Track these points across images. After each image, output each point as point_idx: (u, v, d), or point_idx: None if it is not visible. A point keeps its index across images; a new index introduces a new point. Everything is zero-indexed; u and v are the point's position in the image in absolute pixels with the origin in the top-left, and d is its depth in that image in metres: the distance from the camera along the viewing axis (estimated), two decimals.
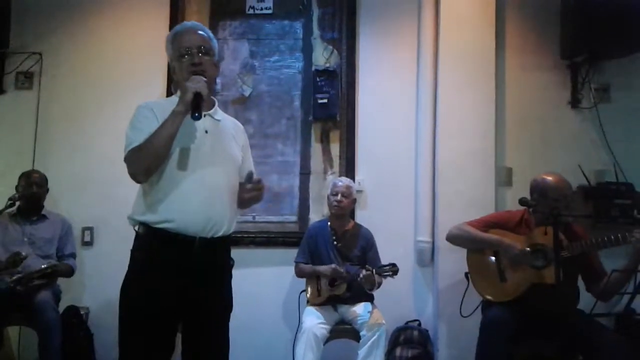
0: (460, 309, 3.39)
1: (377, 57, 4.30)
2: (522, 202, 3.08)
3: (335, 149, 4.27)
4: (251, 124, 4.32)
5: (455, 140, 3.97)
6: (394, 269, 3.45)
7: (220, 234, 2.21)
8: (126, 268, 2.22)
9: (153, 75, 4.16)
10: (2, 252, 3.70)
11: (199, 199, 2.16)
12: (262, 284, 4.09)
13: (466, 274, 3.39)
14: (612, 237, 2.93)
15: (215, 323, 2.28)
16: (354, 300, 3.63)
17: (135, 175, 2.15)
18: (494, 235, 3.26)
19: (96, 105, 4.26)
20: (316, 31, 4.37)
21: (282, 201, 4.28)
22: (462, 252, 3.43)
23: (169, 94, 4.02)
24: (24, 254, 3.59)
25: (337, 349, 3.70)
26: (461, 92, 4.01)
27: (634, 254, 2.93)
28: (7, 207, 3.74)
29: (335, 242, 3.77)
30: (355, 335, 3.55)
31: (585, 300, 3.17)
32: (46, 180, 3.93)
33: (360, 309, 3.58)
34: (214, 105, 2.36)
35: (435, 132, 4.09)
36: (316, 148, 4.30)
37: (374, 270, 3.46)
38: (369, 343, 3.40)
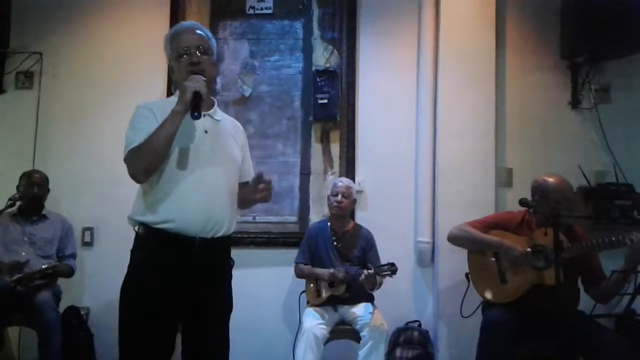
0: (461, 309, 3.39)
1: (377, 58, 4.30)
2: (522, 203, 3.07)
3: (335, 149, 4.27)
4: (251, 124, 4.33)
5: (456, 141, 3.97)
6: (392, 269, 3.45)
7: (220, 234, 2.21)
8: (126, 268, 2.21)
9: (153, 75, 4.16)
10: (3, 252, 3.71)
11: (198, 199, 2.16)
12: (262, 285, 4.09)
13: (467, 275, 3.39)
14: (613, 239, 2.93)
15: (216, 323, 2.28)
16: (354, 301, 3.63)
17: (135, 176, 2.15)
18: (495, 237, 3.26)
19: (96, 105, 4.26)
20: (316, 31, 4.37)
21: (282, 201, 4.29)
22: (462, 253, 3.43)
23: (170, 94, 4.02)
24: (24, 260, 3.60)
25: (337, 349, 3.70)
26: (461, 93, 4.01)
27: (631, 256, 2.92)
28: (7, 207, 3.75)
29: (335, 243, 3.77)
30: (355, 336, 3.54)
31: (586, 301, 3.16)
32: (47, 180, 3.93)
33: (360, 310, 3.58)
34: (213, 106, 2.36)
35: (435, 133, 4.08)
36: (316, 148, 4.30)
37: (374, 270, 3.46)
38: (369, 344, 3.40)
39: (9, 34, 4.23)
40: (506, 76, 4.22)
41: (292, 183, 4.31)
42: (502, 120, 4.16)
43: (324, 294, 3.63)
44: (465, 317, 3.37)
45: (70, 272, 3.84)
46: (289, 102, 4.40)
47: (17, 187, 3.85)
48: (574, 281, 3.14)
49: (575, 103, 4.21)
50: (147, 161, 2.11)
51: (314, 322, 3.49)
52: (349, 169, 4.20)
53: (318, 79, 4.23)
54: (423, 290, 4.14)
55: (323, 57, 4.30)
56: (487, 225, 3.35)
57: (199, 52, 2.26)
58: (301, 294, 3.84)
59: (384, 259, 3.61)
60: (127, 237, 2.26)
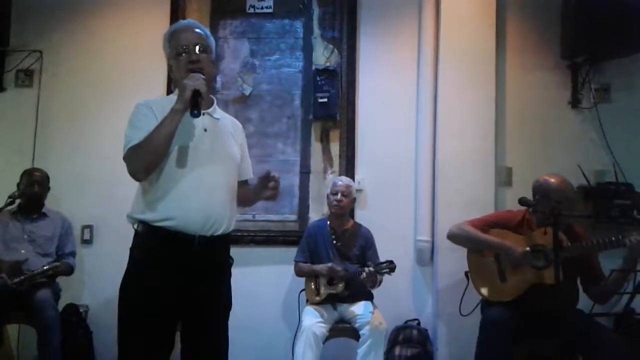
0: (460, 308, 3.39)
1: (377, 57, 4.30)
2: (521, 202, 3.07)
3: (335, 148, 4.27)
4: (251, 122, 4.33)
5: (456, 140, 3.98)
6: (391, 266, 3.45)
7: (219, 232, 2.21)
8: (125, 266, 2.22)
9: (153, 73, 4.14)
10: (2, 250, 3.71)
11: (198, 198, 2.16)
12: (262, 283, 4.09)
13: (466, 273, 3.39)
14: (613, 239, 2.93)
15: (215, 321, 2.28)
16: (353, 299, 3.63)
17: (134, 174, 2.14)
18: (495, 238, 3.25)
19: (96, 103, 4.26)
20: (316, 30, 4.37)
21: (282, 200, 4.28)
22: (461, 252, 3.43)
23: (170, 92, 4.01)
24: (23, 257, 3.60)
25: (336, 347, 3.71)
26: (461, 92, 4.01)
27: (629, 255, 2.93)
28: (6, 205, 3.74)
29: (334, 242, 3.77)
30: (354, 334, 3.55)
31: (585, 300, 3.16)
32: (48, 178, 3.93)
33: (360, 309, 3.58)
34: (212, 104, 2.36)
35: (435, 132, 4.09)
36: (316, 147, 4.30)
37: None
38: (369, 342, 3.40)
39: (9, 32, 4.22)
40: (506, 75, 4.23)
41: (291, 182, 4.31)
42: (502, 120, 4.17)
43: (323, 292, 3.63)
44: (464, 316, 3.37)
45: (70, 271, 3.84)
46: (289, 101, 4.40)
47: (18, 185, 3.86)
48: (573, 280, 3.14)
49: (575, 102, 4.21)
50: (147, 159, 2.11)
51: (314, 321, 3.50)
52: (348, 168, 4.20)
53: (318, 78, 4.23)
54: (422, 288, 4.14)
55: (323, 56, 4.31)
56: (487, 224, 3.35)
57: (198, 50, 2.26)
58: (300, 292, 3.84)
59: (383, 258, 3.60)
60: (127, 235, 2.26)
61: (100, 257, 4.10)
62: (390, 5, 4.33)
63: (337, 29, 4.36)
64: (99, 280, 4.05)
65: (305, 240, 3.83)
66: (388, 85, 4.28)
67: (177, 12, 4.26)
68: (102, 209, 4.10)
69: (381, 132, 4.25)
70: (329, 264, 3.61)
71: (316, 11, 4.39)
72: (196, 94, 2.11)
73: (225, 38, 4.43)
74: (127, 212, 2.24)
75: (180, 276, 2.14)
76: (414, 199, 4.16)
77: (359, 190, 4.10)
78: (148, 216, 2.16)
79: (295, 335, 3.58)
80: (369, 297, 3.68)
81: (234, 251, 2.37)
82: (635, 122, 4.17)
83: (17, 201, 3.82)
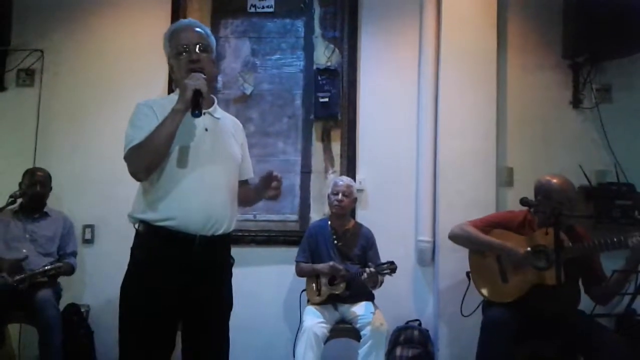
0: (461, 308, 3.39)
1: (378, 56, 4.30)
2: (523, 202, 3.07)
3: (336, 148, 4.27)
4: (252, 122, 4.33)
5: (457, 140, 3.97)
6: (392, 267, 3.46)
7: (220, 232, 2.20)
8: (126, 266, 2.22)
9: (154, 73, 4.14)
10: (4, 249, 3.71)
11: (199, 198, 2.15)
12: (263, 283, 4.09)
13: (467, 274, 3.38)
14: (615, 239, 2.93)
15: (216, 321, 2.28)
16: (354, 300, 3.63)
17: (135, 174, 2.14)
18: (496, 239, 3.24)
19: (97, 103, 4.26)
20: (318, 30, 4.37)
21: (283, 200, 4.26)
22: (462, 252, 3.43)
23: (170, 92, 4.00)
24: (23, 255, 3.61)
25: (337, 348, 3.71)
26: (462, 92, 4.01)
27: (631, 256, 2.92)
28: (8, 204, 3.74)
29: (335, 242, 3.77)
30: (355, 335, 3.55)
31: (586, 301, 3.16)
32: (50, 178, 3.93)
33: (361, 309, 3.58)
34: (213, 104, 2.36)
35: (436, 132, 4.08)
36: (317, 147, 4.30)
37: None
38: (370, 343, 3.40)
39: (10, 32, 4.22)
40: (507, 75, 4.22)
41: (292, 182, 4.31)
42: (503, 120, 4.16)
43: (324, 292, 3.63)
44: (465, 316, 3.37)
45: (71, 271, 3.84)
46: (290, 100, 4.39)
47: (20, 184, 3.86)
48: (575, 281, 3.14)
49: (576, 102, 4.21)
50: (148, 159, 2.10)
51: (315, 321, 3.49)
52: (349, 168, 4.19)
53: (319, 78, 4.23)
54: (423, 289, 4.14)
55: (324, 55, 4.31)
56: (489, 224, 3.34)
57: (198, 49, 2.25)
58: (302, 292, 3.84)
59: (384, 258, 3.60)
60: (128, 235, 2.26)
61: (101, 256, 4.11)
62: (391, 4, 4.32)
63: (338, 28, 4.36)
64: (100, 280, 4.06)
65: (306, 240, 3.83)
66: (389, 85, 4.28)
67: (178, 11, 4.26)
68: (103, 209, 4.11)
69: (382, 132, 4.24)
70: (331, 263, 3.61)
71: (317, 11, 4.39)
72: (197, 93, 2.10)
73: (226, 37, 4.43)
74: (128, 212, 2.24)
75: (181, 276, 2.14)
76: (415, 199, 4.16)
77: (359, 190, 4.10)
78: (149, 216, 2.16)
79: (296, 336, 3.58)
80: (370, 298, 3.67)
81: (235, 251, 2.36)
82: (637, 122, 4.16)
83: (19, 200, 3.82)
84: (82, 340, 3.78)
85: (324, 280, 3.65)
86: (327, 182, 4.16)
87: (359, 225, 3.87)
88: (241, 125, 2.51)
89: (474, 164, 3.96)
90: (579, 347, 2.98)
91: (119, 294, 2.18)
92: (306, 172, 4.30)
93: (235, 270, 2.38)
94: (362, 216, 4.09)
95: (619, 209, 3.91)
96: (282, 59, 4.43)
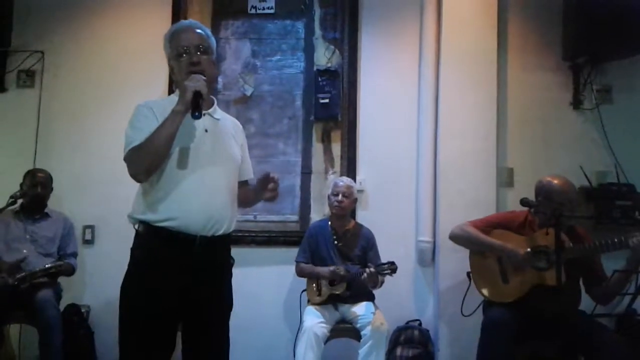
0: (462, 308, 3.39)
1: (378, 57, 4.30)
2: (523, 202, 3.07)
3: (336, 148, 4.27)
4: (253, 123, 4.33)
5: (457, 141, 3.98)
6: (392, 267, 3.46)
7: (220, 232, 2.20)
8: (127, 266, 2.22)
9: (155, 74, 4.15)
10: (4, 250, 3.72)
11: (199, 198, 2.15)
12: (263, 284, 4.09)
13: (468, 274, 3.38)
14: (615, 240, 2.93)
15: (216, 322, 2.28)
16: (355, 300, 3.63)
17: (135, 175, 2.14)
18: (497, 240, 3.24)
19: (98, 104, 4.26)
20: (318, 31, 4.37)
21: (283, 200, 4.28)
22: (462, 253, 3.43)
23: (171, 93, 3.99)
24: (22, 256, 3.61)
25: (337, 348, 3.71)
26: (463, 93, 4.01)
27: (632, 256, 2.92)
28: (8, 205, 3.75)
29: (335, 242, 3.77)
30: (356, 335, 3.54)
31: (586, 301, 3.16)
32: (51, 179, 3.93)
33: (361, 309, 3.58)
34: (213, 104, 2.35)
35: (436, 133, 4.09)
36: (317, 148, 4.30)
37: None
38: (370, 343, 3.40)
39: (10, 33, 4.23)
40: (508, 76, 4.22)
41: (293, 182, 4.31)
42: (504, 121, 4.16)
43: (325, 292, 3.63)
44: (466, 317, 3.37)
45: (71, 271, 3.84)
46: (290, 101, 4.40)
47: (21, 185, 3.86)
48: (575, 281, 3.14)
49: (576, 103, 4.21)
50: (148, 161, 2.10)
51: (315, 321, 3.49)
52: (350, 169, 4.20)
53: (319, 79, 4.24)
54: (424, 289, 4.14)
55: (324, 56, 4.31)
56: (490, 224, 3.35)
57: (199, 51, 2.25)
58: (302, 292, 3.84)
59: (385, 258, 3.61)
60: (128, 235, 2.25)
61: (101, 257, 4.11)
62: (391, 5, 4.33)
63: (339, 29, 4.36)
64: (100, 280, 4.06)
65: (307, 240, 3.83)
66: (389, 86, 4.28)
67: (178, 12, 4.26)
68: (103, 209, 4.10)
69: (382, 133, 4.25)
70: (331, 268, 3.60)
71: (317, 12, 4.39)
72: (197, 95, 2.10)
73: (227, 39, 4.44)
74: (128, 213, 2.24)
75: (181, 276, 2.14)
76: (415, 199, 4.16)
77: (360, 191, 4.10)
78: (149, 216, 2.16)
79: (297, 336, 3.58)
80: (371, 298, 3.67)
81: (235, 251, 2.36)
82: (637, 123, 4.16)
83: (19, 201, 3.82)
84: (82, 341, 3.78)
85: (324, 281, 3.65)
86: (327, 182, 4.16)
87: (359, 226, 3.87)
88: (241, 126, 2.50)
89: (475, 165, 3.96)
90: (580, 347, 2.98)
91: (119, 294, 2.18)
92: (306, 172, 4.30)
93: (235, 271, 2.38)
94: (363, 217, 4.08)
95: (619, 210, 3.92)
96: (283, 60, 4.43)
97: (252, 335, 3.92)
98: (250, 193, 2.44)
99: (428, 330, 3.93)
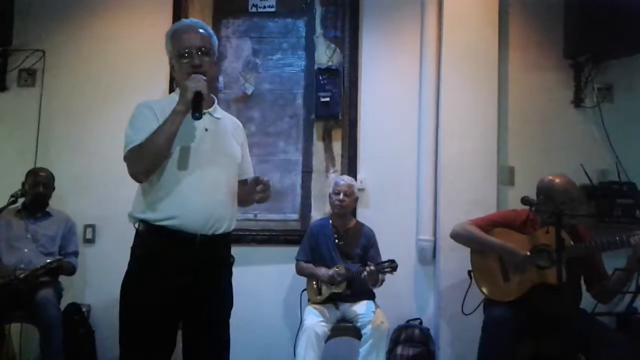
0: (462, 307, 3.38)
1: (379, 56, 4.30)
2: (524, 201, 3.06)
3: (337, 147, 4.27)
4: (253, 122, 4.33)
5: (458, 139, 3.97)
6: (392, 265, 3.46)
7: (220, 231, 2.21)
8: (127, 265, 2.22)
9: (155, 73, 4.14)
10: (6, 249, 3.72)
11: (199, 197, 2.16)
12: (264, 282, 4.09)
13: (469, 272, 3.38)
14: (617, 239, 2.93)
15: (216, 321, 2.28)
16: (355, 299, 3.63)
17: (135, 175, 2.14)
18: (498, 240, 3.24)
19: (98, 103, 4.26)
20: (319, 30, 4.37)
21: (283, 199, 4.29)
22: (463, 251, 3.42)
23: (171, 92, 4.01)
24: (19, 264, 3.63)
25: (338, 347, 3.71)
26: (464, 91, 4.01)
27: (633, 255, 2.92)
28: (9, 204, 3.74)
29: (336, 241, 3.77)
30: (356, 333, 3.54)
31: (587, 300, 3.16)
32: (53, 179, 3.93)
33: (362, 308, 3.57)
34: (213, 103, 2.35)
35: (437, 131, 4.08)
36: (318, 146, 4.30)
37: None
38: (370, 342, 3.40)
39: (11, 32, 4.22)
40: (509, 75, 4.22)
41: (293, 181, 4.31)
42: (505, 119, 4.16)
43: (325, 291, 3.63)
44: (466, 315, 3.36)
45: (72, 270, 3.84)
46: (291, 100, 4.40)
47: (23, 184, 3.86)
48: (576, 280, 3.14)
49: (577, 102, 4.20)
50: (148, 161, 2.10)
51: (315, 320, 3.49)
52: (350, 167, 4.19)
53: (320, 77, 4.23)
54: (424, 288, 4.13)
55: (325, 55, 4.30)
56: (491, 223, 3.34)
57: (200, 52, 2.23)
58: (302, 291, 3.83)
59: (385, 257, 3.60)
60: (129, 234, 2.26)
61: (102, 256, 4.11)
62: (392, 4, 4.32)
63: (340, 28, 4.36)
64: (101, 279, 4.06)
65: (307, 239, 3.83)
66: (390, 85, 4.28)
67: (179, 11, 4.26)
68: (104, 208, 4.11)
69: (383, 132, 4.24)
70: (330, 272, 3.59)
71: (318, 10, 4.39)
72: (198, 96, 2.10)
73: (228, 37, 4.43)
74: (128, 212, 2.24)
75: (181, 275, 2.14)
76: (416, 198, 4.15)
77: (360, 190, 4.09)
78: (149, 216, 2.16)
79: (297, 335, 3.58)
80: (371, 297, 3.67)
81: (236, 250, 2.37)
82: (638, 121, 4.15)
83: (20, 200, 3.82)
84: (82, 340, 3.78)
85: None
86: (328, 181, 4.16)
87: (360, 225, 3.87)
88: (241, 125, 2.50)
89: (475, 163, 3.96)
90: (580, 345, 2.98)
91: (120, 293, 2.19)
92: (307, 171, 4.30)
93: (235, 270, 2.38)
94: (363, 215, 4.08)
95: (620, 208, 3.91)
96: (283, 59, 4.43)
97: (252, 334, 3.92)
98: (245, 194, 2.44)
99: (429, 329, 3.93)
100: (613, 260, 3.10)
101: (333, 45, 4.33)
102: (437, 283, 4.01)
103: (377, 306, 3.62)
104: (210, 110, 2.30)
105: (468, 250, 3.39)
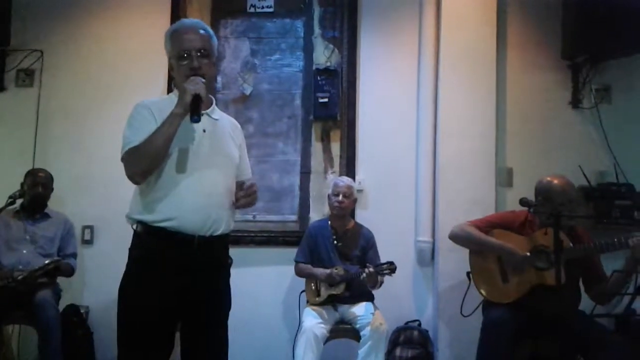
0: (461, 308, 3.38)
1: (378, 56, 4.29)
2: (522, 202, 3.06)
3: (335, 148, 4.27)
4: (252, 122, 4.33)
5: (456, 140, 3.97)
6: (391, 267, 3.46)
7: (219, 232, 2.20)
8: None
9: (154, 73, 4.15)
10: (4, 250, 3.71)
11: (197, 198, 2.15)
12: (262, 284, 4.09)
13: (468, 274, 3.38)
14: (615, 240, 2.93)
15: (214, 322, 2.28)
16: (354, 300, 3.63)
17: (132, 177, 2.13)
18: (497, 240, 3.24)
19: (96, 103, 4.25)
20: (317, 30, 4.36)
21: (282, 200, 4.29)
22: (462, 253, 3.42)
23: (170, 92, 4.00)
24: (17, 266, 3.62)
25: (337, 348, 3.70)
26: (462, 92, 4.01)
27: (632, 256, 2.92)
28: (7, 205, 3.73)
29: (335, 242, 3.76)
30: (355, 335, 3.54)
31: (586, 301, 3.16)
32: (52, 179, 3.92)
33: (361, 310, 3.57)
34: (211, 104, 2.34)
35: (435, 132, 4.08)
36: (317, 147, 4.29)
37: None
38: (369, 343, 3.40)
39: (9, 32, 4.22)
40: (507, 75, 4.21)
41: (292, 182, 4.31)
42: (503, 120, 4.16)
43: (324, 293, 3.63)
44: (465, 317, 3.36)
45: (70, 271, 3.84)
46: (289, 100, 4.39)
47: (22, 185, 3.85)
48: (575, 281, 3.14)
49: (575, 103, 4.21)
50: (146, 163, 2.09)
51: (314, 322, 3.49)
52: (349, 168, 4.19)
53: (319, 78, 4.22)
54: (423, 289, 4.13)
55: (324, 55, 4.30)
56: (490, 224, 3.34)
57: (199, 53, 2.22)
58: (301, 293, 3.83)
59: (384, 258, 3.60)
60: (127, 236, 2.25)
61: (100, 257, 4.10)
62: (390, 4, 4.31)
63: (338, 28, 4.35)
64: (99, 280, 4.05)
65: (306, 240, 3.83)
66: (389, 85, 4.27)
67: (177, 11, 4.25)
68: (102, 209, 4.10)
69: (382, 132, 4.24)
70: (328, 271, 3.60)
71: (317, 11, 4.38)
72: (196, 98, 2.09)
73: (226, 37, 4.43)
74: (126, 213, 2.24)
75: (179, 276, 2.14)
76: (415, 199, 4.15)
77: (359, 191, 4.09)
78: (147, 217, 2.16)
79: (296, 336, 3.58)
80: (370, 298, 3.67)
81: (234, 251, 2.36)
82: (636, 122, 4.15)
83: (18, 201, 3.82)
84: (81, 341, 3.78)
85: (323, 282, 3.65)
86: (326, 182, 4.16)
87: (359, 226, 3.86)
88: (239, 126, 2.49)
89: (474, 164, 3.95)
90: (579, 347, 2.98)
91: (118, 294, 2.18)
92: (305, 172, 4.30)
93: (234, 271, 2.38)
94: (362, 216, 4.08)
95: (618, 209, 3.91)
96: (282, 59, 4.43)
97: (251, 335, 3.92)
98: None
99: (427, 331, 3.93)
100: (611, 262, 3.10)
101: (331, 46, 4.32)
102: (435, 284, 4.01)
103: (376, 308, 3.62)
104: (208, 111, 2.29)
105: (467, 251, 3.39)
